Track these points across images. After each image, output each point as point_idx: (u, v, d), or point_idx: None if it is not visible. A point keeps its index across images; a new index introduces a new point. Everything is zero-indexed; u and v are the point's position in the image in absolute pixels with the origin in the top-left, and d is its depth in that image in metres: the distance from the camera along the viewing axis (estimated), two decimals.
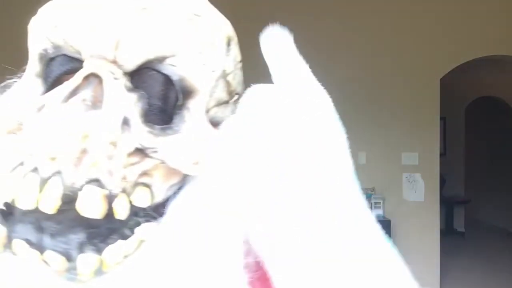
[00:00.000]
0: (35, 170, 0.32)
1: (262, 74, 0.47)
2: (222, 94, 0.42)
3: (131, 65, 0.36)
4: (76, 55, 0.37)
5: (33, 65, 0.39)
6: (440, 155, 4.53)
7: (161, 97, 0.37)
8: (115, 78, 0.35)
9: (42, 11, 0.40)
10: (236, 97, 0.45)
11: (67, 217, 0.32)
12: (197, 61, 0.38)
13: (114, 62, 0.36)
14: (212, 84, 0.40)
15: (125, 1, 0.36)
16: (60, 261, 0.32)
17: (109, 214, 0.33)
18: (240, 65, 0.47)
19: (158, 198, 0.36)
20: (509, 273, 5.13)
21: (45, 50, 0.38)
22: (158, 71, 0.37)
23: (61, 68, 0.38)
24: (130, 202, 0.34)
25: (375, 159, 4.39)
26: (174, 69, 0.37)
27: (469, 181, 7.84)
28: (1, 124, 0.37)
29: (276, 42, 0.45)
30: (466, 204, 7.54)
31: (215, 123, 0.40)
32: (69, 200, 0.32)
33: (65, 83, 0.35)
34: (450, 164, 7.30)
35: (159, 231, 0.35)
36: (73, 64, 0.37)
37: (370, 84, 4.40)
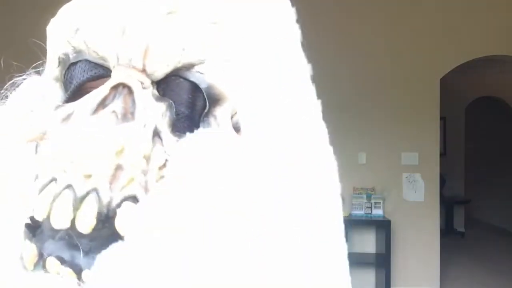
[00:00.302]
0: (69, 187, 0.31)
1: None
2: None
3: (160, 74, 0.35)
4: (100, 61, 0.35)
5: (52, 69, 0.38)
6: (440, 155, 4.53)
7: (188, 105, 0.36)
8: (144, 88, 0.34)
9: (63, 12, 0.38)
10: None
11: (100, 234, 0.31)
12: (225, 68, 0.36)
13: (143, 71, 0.34)
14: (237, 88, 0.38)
15: (150, 4, 0.35)
16: None
17: None
18: None
19: None
20: (509, 273, 5.13)
21: (66, 54, 0.37)
22: (186, 79, 0.35)
23: (84, 74, 0.36)
24: None
25: (375, 159, 4.39)
26: (202, 76, 0.35)
27: (469, 181, 7.84)
28: (20, 130, 0.36)
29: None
30: (466, 204, 7.54)
31: (237, 129, 0.38)
32: (105, 218, 0.31)
33: (92, 93, 0.34)
34: (450, 164, 7.30)
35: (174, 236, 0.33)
36: (97, 70, 0.36)
37: (370, 84, 4.40)
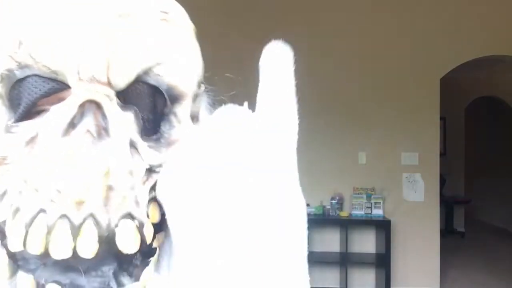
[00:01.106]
0: (63, 217, 0.30)
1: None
2: (197, 89, 0.40)
3: (124, 84, 0.33)
4: (52, 75, 0.32)
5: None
6: (440, 155, 4.53)
7: (151, 109, 0.36)
8: (111, 100, 0.33)
9: None
10: (202, 86, 0.43)
11: (98, 254, 0.31)
12: (181, 66, 0.36)
13: (108, 83, 0.32)
14: (196, 87, 0.38)
15: (100, 10, 0.32)
16: None
17: (141, 241, 0.32)
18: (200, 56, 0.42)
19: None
20: (509, 273, 5.13)
21: (10, 70, 0.32)
22: (145, 83, 0.35)
23: (36, 91, 0.33)
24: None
25: (375, 159, 4.39)
26: (161, 78, 0.35)
27: (469, 181, 7.84)
28: None
29: (275, 61, 0.42)
30: (466, 204, 7.54)
31: (192, 118, 0.39)
32: (105, 240, 0.31)
33: (55, 112, 0.32)
34: (450, 164, 7.30)
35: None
36: (50, 85, 0.32)
37: (370, 84, 4.40)
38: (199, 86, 0.40)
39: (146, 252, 0.33)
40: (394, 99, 4.38)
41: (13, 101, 0.33)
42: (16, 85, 0.33)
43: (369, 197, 4.29)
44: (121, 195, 0.31)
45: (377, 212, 4.26)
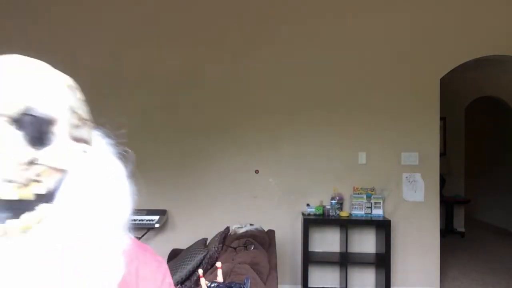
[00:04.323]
0: None
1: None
2: (75, 121, 0.62)
3: (14, 114, 0.55)
4: None
5: None
6: (440, 155, 4.53)
7: (36, 129, 0.57)
8: (7, 124, 0.55)
9: None
10: (88, 122, 0.66)
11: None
12: (52, 104, 0.59)
13: (3, 115, 0.55)
14: (65, 116, 0.60)
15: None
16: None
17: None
18: (83, 102, 0.66)
19: (50, 187, 0.58)
20: (508, 273, 5.13)
21: None
22: (31, 115, 0.56)
23: None
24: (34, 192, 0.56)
25: (375, 159, 4.39)
26: (37, 111, 0.57)
27: (469, 181, 7.84)
28: None
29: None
30: (466, 204, 7.55)
31: (76, 139, 0.62)
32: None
33: None
34: (450, 164, 7.31)
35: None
36: None
37: (370, 84, 4.41)
38: (73, 117, 0.62)
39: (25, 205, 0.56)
40: (394, 99, 4.39)
41: None
42: None
43: (369, 197, 4.29)
44: (13, 170, 0.54)
45: (377, 212, 4.26)
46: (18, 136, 0.55)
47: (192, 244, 3.53)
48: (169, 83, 4.54)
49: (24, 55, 0.62)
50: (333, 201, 4.23)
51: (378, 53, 4.41)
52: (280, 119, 4.44)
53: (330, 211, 4.22)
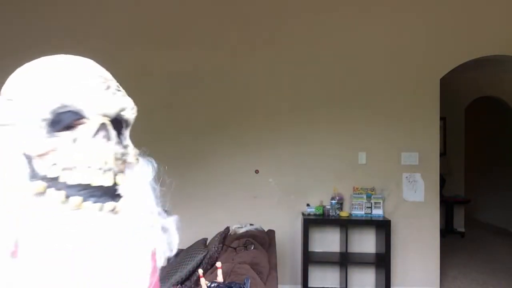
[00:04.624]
0: (100, 169, 0.64)
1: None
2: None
3: (113, 115, 0.68)
4: (80, 111, 0.64)
5: (42, 114, 0.63)
6: (440, 155, 4.53)
7: (119, 129, 0.70)
8: (109, 121, 0.67)
9: (31, 84, 0.65)
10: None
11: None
12: (132, 114, 0.73)
13: (107, 116, 0.66)
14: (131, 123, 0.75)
15: (86, 75, 0.66)
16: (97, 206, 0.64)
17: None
18: None
19: (126, 177, 0.69)
20: (508, 273, 5.13)
21: (54, 110, 0.63)
22: (118, 118, 0.69)
23: (71, 118, 0.64)
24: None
25: (375, 159, 4.39)
26: (125, 116, 0.71)
27: (469, 181, 7.84)
28: (28, 149, 0.63)
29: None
30: (466, 204, 7.55)
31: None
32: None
33: (83, 127, 0.64)
34: (450, 164, 7.31)
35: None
36: (78, 116, 0.64)
37: (371, 84, 4.41)
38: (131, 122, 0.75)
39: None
40: (394, 99, 4.39)
41: (56, 123, 0.64)
42: (58, 115, 0.64)
43: (369, 197, 4.29)
44: (118, 160, 0.66)
45: (377, 212, 4.26)
46: (115, 134, 0.66)
47: (192, 244, 3.53)
48: (168, 83, 4.54)
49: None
50: (333, 201, 4.23)
51: (378, 53, 4.41)
52: (280, 119, 4.44)
53: (330, 211, 4.22)
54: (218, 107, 4.50)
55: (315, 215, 4.25)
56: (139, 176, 0.74)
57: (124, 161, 0.68)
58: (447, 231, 7.17)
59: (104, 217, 0.63)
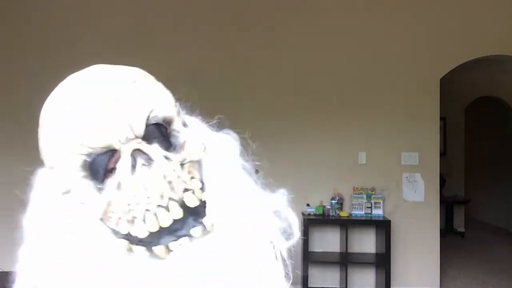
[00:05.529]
0: (159, 206, 0.54)
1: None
2: (179, 110, 0.66)
3: (142, 133, 0.56)
4: (107, 149, 0.55)
5: (76, 164, 0.56)
6: (440, 155, 4.53)
7: (161, 134, 0.59)
8: (140, 143, 0.56)
9: (63, 131, 0.56)
10: (178, 105, 0.68)
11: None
12: (168, 104, 0.62)
13: (135, 137, 0.55)
14: (175, 110, 0.64)
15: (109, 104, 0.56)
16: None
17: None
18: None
19: (199, 178, 0.60)
20: (508, 273, 5.13)
21: (85, 162, 0.55)
22: (150, 124, 0.58)
23: (104, 159, 0.55)
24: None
25: (375, 159, 4.39)
26: (156, 117, 0.59)
27: (469, 181, 7.84)
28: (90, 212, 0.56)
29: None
30: (466, 204, 7.54)
31: (183, 124, 0.64)
32: (181, 205, 0.55)
33: (119, 165, 0.55)
34: (450, 164, 7.30)
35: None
36: (108, 153, 0.56)
37: (371, 84, 4.41)
38: (176, 107, 0.65)
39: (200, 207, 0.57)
40: (394, 99, 4.39)
41: (94, 169, 0.56)
42: (93, 160, 0.56)
43: (369, 197, 4.29)
44: (174, 182, 0.55)
45: (377, 212, 4.26)
46: (158, 149, 0.55)
47: None
48: (168, 83, 4.53)
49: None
50: (333, 201, 4.23)
51: (378, 53, 4.41)
52: (280, 119, 4.43)
53: (330, 211, 4.22)
54: (218, 108, 4.47)
55: (315, 215, 4.25)
56: (223, 163, 0.64)
57: (188, 164, 0.57)
58: (447, 231, 7.16)
59: (201, 243, 0.55)
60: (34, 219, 0.59)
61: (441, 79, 4.38)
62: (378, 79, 4.41)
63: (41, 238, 0.57)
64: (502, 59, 4.65)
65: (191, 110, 0.72)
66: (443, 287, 4.53)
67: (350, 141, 4.40)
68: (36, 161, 0.64)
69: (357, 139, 4.40)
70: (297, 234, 0.67)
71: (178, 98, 0.69)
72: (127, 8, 4.61)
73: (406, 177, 4.37)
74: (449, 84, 5.52)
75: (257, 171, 0.74)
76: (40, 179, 0.60)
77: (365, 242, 4.39)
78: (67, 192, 0.57)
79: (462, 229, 7.43)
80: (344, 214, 4.25)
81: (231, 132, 0.72)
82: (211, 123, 0.73)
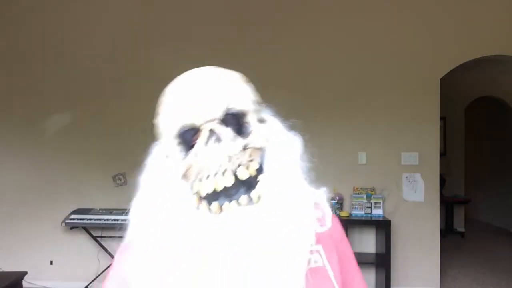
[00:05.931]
0: (216, 174, 0.69)
1: None
2: (257, 107, 0.82)
3: (220, 116, 0.73)
4: (193, 126, 0.73)
5: (172, 136, 0.74)
6: (440, 155, 4.53)
7: (235, 122, 0.74)
8: (219, 124, 0.72)
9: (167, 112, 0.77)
10: (262, 105, 0.85)
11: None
12: (243, 99, 0.77)
13: (213, 119, 0.72)
14: (251, 106, 0.79)
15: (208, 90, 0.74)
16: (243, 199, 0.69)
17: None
18: (255, 90, 0.85)
19: (259, 162, 0.73)
20: (508, 273, 5.13)
21: (178, 133, 0.73)
22: (229, 113, 0.73)
23: (190, 134, 0.72)
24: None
25: (375, 159, 4.39)
26: (234, 109, 0.74)
27: (469, 181, 7.84)
28: (178, 172, 0.73)
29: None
30: (466, 204, 7.54)
31: (260, 120, 0.80)
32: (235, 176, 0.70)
33: (199, 140, 0.71)
34: (450, 164, 7.30)
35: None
36: (193, 130, 0.73)
37: (371, 84, 4.41)
38: (254, 106, 0.80)
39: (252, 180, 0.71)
40: (394, 99, 4.39)
41: (183, 142, 0.74)
42: (182, 134, 0.74)
43: (369, 197, 4.29)
44: (233, 158, 0.70)
45: (377, 212, 4.26)
46: (229, 132, 0.71)
47: None
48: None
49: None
50: (333, 201, 4.23)
51: (378, 53, 4.41)
52: (280, 119, 4.43)
53: None
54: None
55: None
56: (284, 153, 0.79)
57: (251, 149, 0.72)
58: (447, 231, 7.17)
59: (246, 210, 0.68)
60: (147, 175, 0.78)
61: (441, 79, 4.38)
62: (378, 79, 4.41)
63: (148, 188, 0.76)
64: (502, 59, 4.64)
65: (279, 114, 0.91)
66: (443, 287, 4.53)
67: (350, 141, 4.40)
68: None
69: (357, 139, 4.40)
70: (329, 224, 0.88)
71: (268, 103, 0.88)
72: (127, 8, 4.60)
73: (406, 177, 4.37)
74: (449, 84, 5.52)
75: None
76: (155, 149, 0.80)
77: (365, 242, 4.39)
78: (167, 156, 0.76)
79: (462, 229, 7.43)
80: (344, 214, 4.25)
81: (298, 135, 0.88)
82: (286, 124, 0.88)
